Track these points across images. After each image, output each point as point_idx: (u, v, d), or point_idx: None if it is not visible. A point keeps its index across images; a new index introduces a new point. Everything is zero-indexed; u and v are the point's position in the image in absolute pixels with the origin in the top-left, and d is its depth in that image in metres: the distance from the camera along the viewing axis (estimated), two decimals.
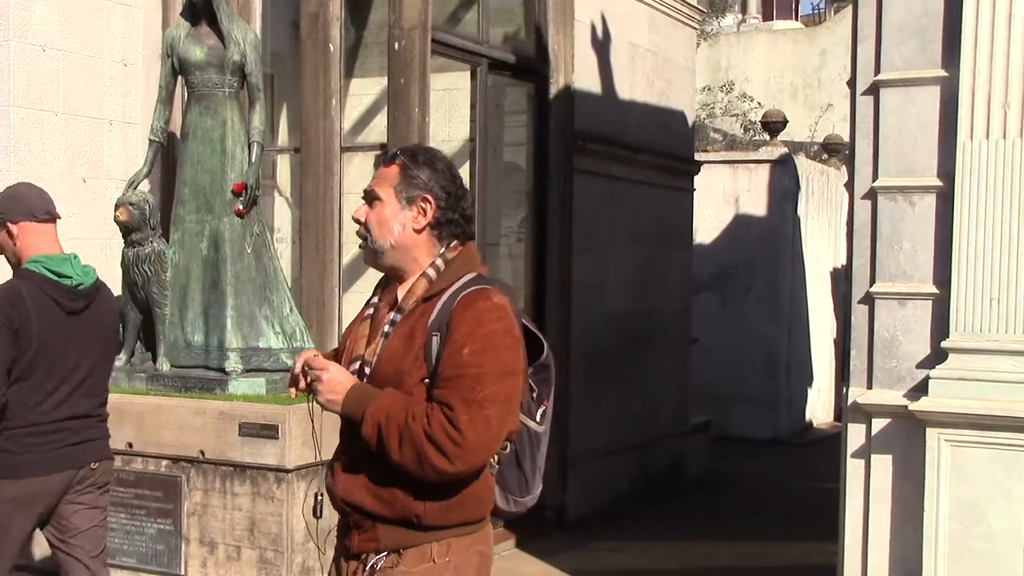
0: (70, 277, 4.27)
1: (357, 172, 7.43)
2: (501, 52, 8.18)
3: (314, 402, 2.89)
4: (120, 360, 6.45)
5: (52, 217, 4.42)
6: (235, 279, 6.38)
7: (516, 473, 2.89)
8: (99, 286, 4.45)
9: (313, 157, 7.09)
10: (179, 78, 6.56)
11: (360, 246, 2.95)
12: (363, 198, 2.93)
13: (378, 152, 7.25)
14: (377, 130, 7.78)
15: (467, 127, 7.98)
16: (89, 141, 7.01)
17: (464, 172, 7.78)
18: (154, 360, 6.47)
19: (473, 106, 7.86)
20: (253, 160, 6.40)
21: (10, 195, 4.45)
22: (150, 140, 6.60)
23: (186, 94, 6.59)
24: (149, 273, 6.37)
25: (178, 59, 6.46)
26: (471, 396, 2.63)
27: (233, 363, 6.27)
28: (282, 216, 8.35)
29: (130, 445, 6.08)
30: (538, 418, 2.89)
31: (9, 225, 4.31)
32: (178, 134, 6.68)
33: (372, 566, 2.79)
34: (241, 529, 5.85)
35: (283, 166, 8.31)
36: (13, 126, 6.58)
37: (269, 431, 5.78)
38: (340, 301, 7.21)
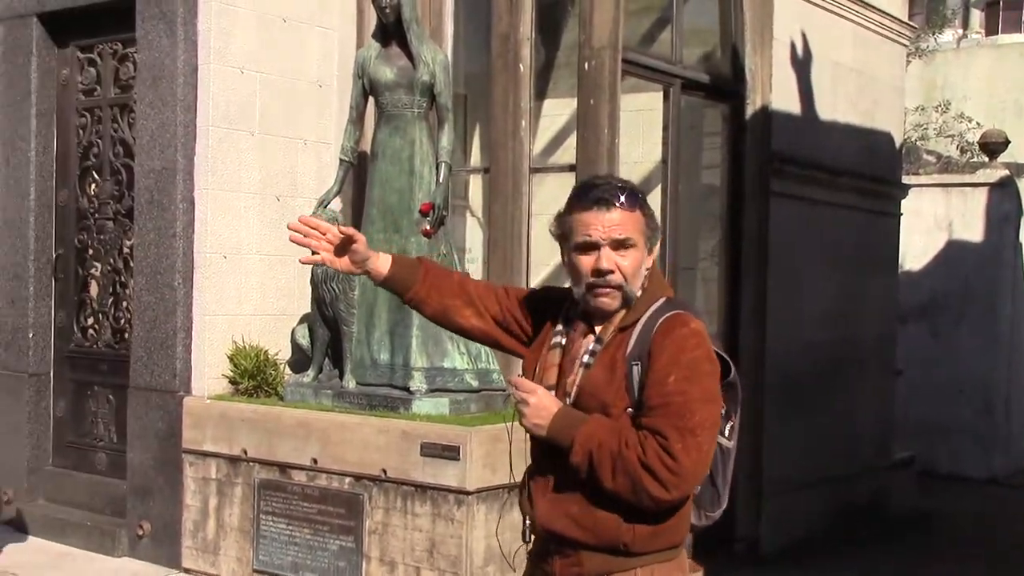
0: None
1: (547, 193, 7.35)
2: (695, 72, 7.98)
3: (514, 423, 2.91)
4: (308, 376, 6.54)
5: None
6: None
7: (710, 489, 2.91)
8: None
9: (502, 177, 7.05)
10: (370, 98, 6.63)
11: (597, 292, 2.82)
12: (606, 244, 2.78)
13: (566, 171, 7.14)
14: (568, 151, 7.69)
15: (659, 149, 7.81)
16: (284, 160, 7.15)
17: (656, 194, 7.62)
18: (340, 377, 6.53)
19: (665, 127, 7.68)
20: (441, 180, 6.40)
21: None
22: (340, 160, 6.68)
23: (376, 114, 6.64)
24: (337, 291, 6.43)
25: (369, 79, 6.53)
26: (683, 424, 2.64)
27: (417, 383, 6.26)
28: (474, 236, 8.35)
29: (315, 461, 6.14)
30: (727, 433, 2.89)
31: None
32: (368, 154, 6.74)
33: None
34: (421, 550, 5.81)
35: (475, 186, 8.31)
36: (211, 145, 6.76)
37: (450, 452, 5.73)
38: None
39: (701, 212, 8.71)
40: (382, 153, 6.50)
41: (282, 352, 6.95)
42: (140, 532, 6.94)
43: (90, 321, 7.64)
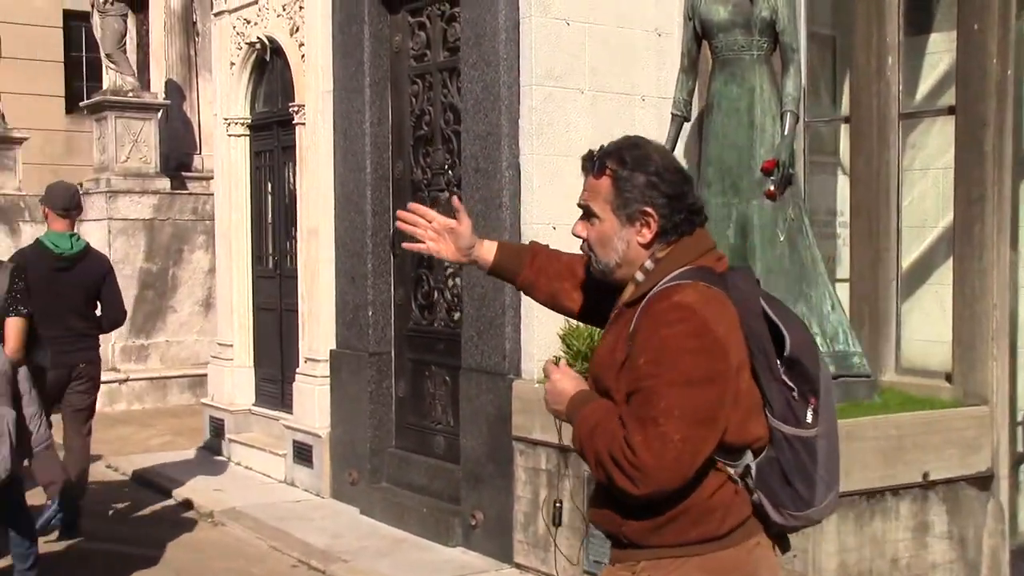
0: (60, 248, 6.58)
1: (921, 143, 6.25)
2: None
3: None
4: None
5: (67, 212, 6.68)
6: (765, 271, 5.52)
7: (785, 488, 2.53)
8: (85, 253, 6.76)
9: (864, 127, 6.05)
10: (703, 43, 5.82)
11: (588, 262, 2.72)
12: (582, 210, 2.66)
13: (944, 114, 6.01)
14: (950, 92, 6.53)
15: None
16: (618, 119, 6.46)
17: None
18: None
19: None
20: (786, 133, 5.50)
21: (50, 189, 6.79)
22: (672, 115, 5.92)
23: (711, 60, 5.82)
24: None
25: (700, 20, 5.72)
26: (644, 413, 2.41)
27: None
28: (844, 197, 7.33)
29: None
30: (808, 419, 2.50)
31: (45, 209, 6.72)
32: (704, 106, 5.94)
33: None
34: None
35: (844, 138, 7.28)
36: (536, 106, 6.19)
37: None
38: (898, 297, 6.09)
39: None
40: (717, 105, 5.68)
41: None
42: (473, 522, 6.53)
43: (427, 299, 7.32)
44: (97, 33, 12.35)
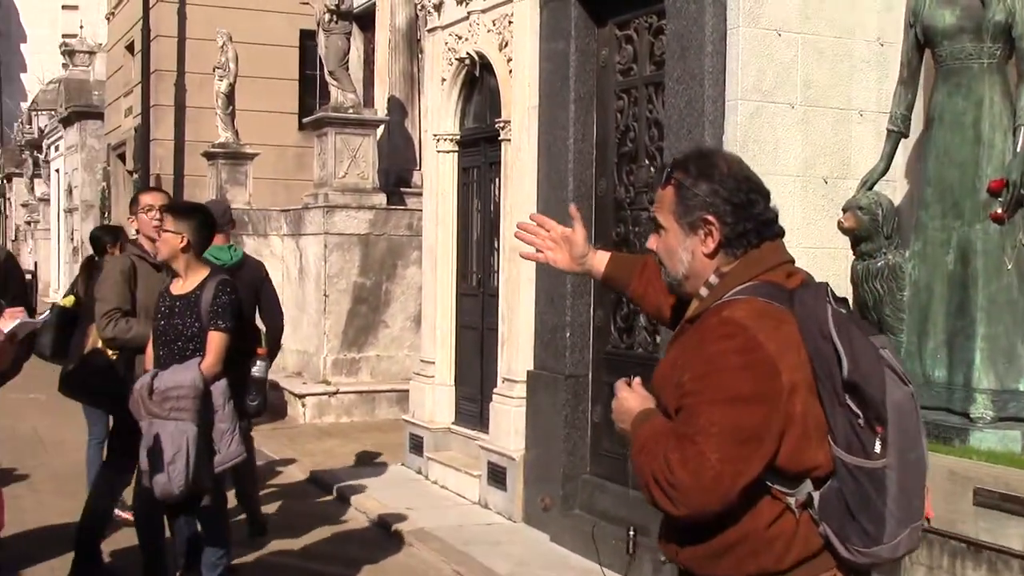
0: (220, 259, 6.56)
1: None
2: None
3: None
4: None
5: (221, 228, 6.62)
6: (989, 302, 5.03)
7: (850, 522, 2.35)
8: (243, 263, 6.97)
9: None
10: (924, 52, 5.35)
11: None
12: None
13: None
14: None
15: None
16: (833, 136, 6.05)
17: None
18: None
19: None
20: (1019, 149, 4.98)
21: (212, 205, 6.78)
22: (888, 130, 5.48)
23: (935, 71, 5.35)
24: (881, 291, 5.27)
25: (922, 27, 5.27)
26: (684, 430, 2.35)
27: (981, 408, 4.94)
28: None
29: None
30: (876, 449, 2.31)
31: None
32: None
33: None
34: None
35: None
36: (740, 122, 5.84)
37: (1015, 504, 4.37)
38: None
39: None
40: (939, 118, 5.21)
41: None
42: (663, 558, 6.19)
43: (626, 321, 7.03)
44: (321, 51, 12.60)
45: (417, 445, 9.18)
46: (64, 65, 29.05)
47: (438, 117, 9.16)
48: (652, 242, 2.62)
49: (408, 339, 12.34)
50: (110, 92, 23.48)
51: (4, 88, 71.99)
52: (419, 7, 9.73)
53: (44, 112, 32.09)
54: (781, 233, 2.55)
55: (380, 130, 13.82)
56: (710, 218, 2.48)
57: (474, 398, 8.81)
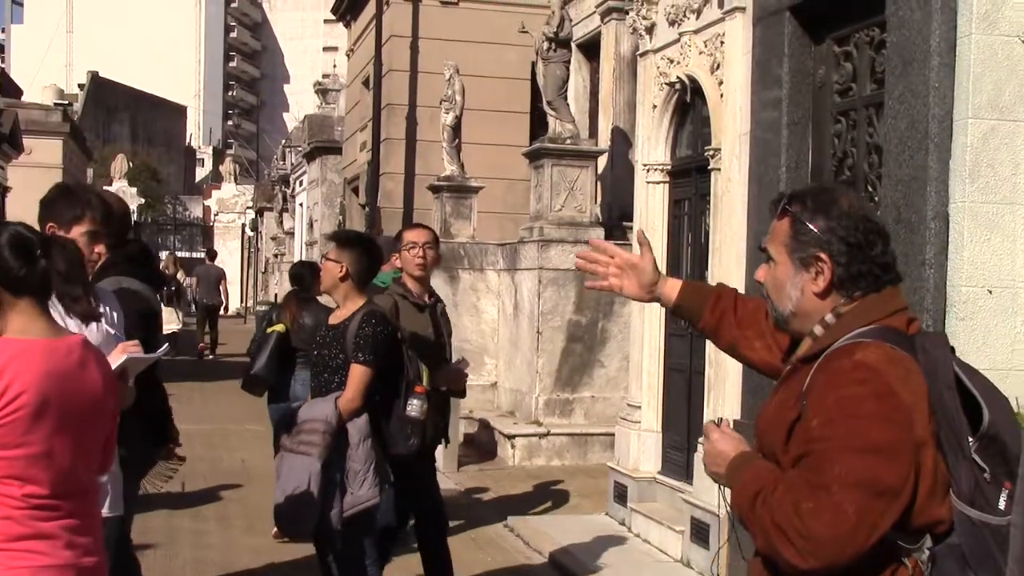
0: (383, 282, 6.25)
1: None
2: None
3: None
4: None
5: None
6: None
7: None
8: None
9: None
10: None
11: None
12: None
13: None
14: None
15: None
16: None
17: None
18: None
19: None
20: None
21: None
22: None
23: None
24: None
25: None
26: (817, 479, 2.23)
27: None
28: None
29: None
30: (1001, 505, 2.21)
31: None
32: None
33: None
34: None
35: None
36: (972, 144, 5.09)
37: None
38: None
39: None
40: None
41: None
42: None
43: None
44: (540, 80, 12.28)
45: (621, 494, 8.62)
46: (319, 105, 30.06)
47: (648, 146, 8.63)
48: (760, 273, 2.56)
49: (625, 380, 11.77)
50: (348, 127, 23.99)
51: (268, 127, 75.76)
52: (631, 29, 9.22)
53: (294, 148, 33.31)
54: (899, 278, 2.47)
55: (603, 162, 13.40)
56: (823, 256, 2.42)
57: (681, 446, 8.20)
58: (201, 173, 74.28)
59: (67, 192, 4.11)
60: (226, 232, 44.94)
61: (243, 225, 43.62)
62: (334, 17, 24.28)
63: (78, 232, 3.96)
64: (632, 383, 8.86)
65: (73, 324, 3.54)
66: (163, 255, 28.08)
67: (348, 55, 23.64)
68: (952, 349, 2.39)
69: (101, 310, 3.89)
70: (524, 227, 12.43)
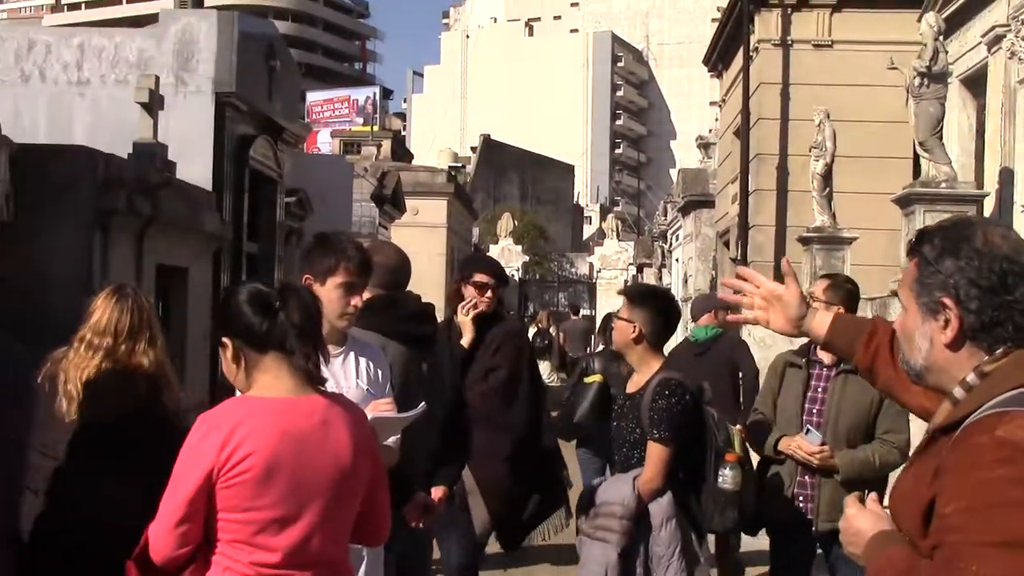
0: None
1: None
2: None
3: None
4: None
5: None
6: None
7: None
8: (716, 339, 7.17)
9: None
10: None
11: None
12: None
13: None
14: None
15: None
16: None
17: None
18: None
19: None
20: None
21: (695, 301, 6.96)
22: None
23: None
24: None
25: None
26: None
27: None
28: None
29: None
30: None
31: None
32: None
33: None
34: None
35: None
36: None
37: None
38: None
39: None
40: None
41: None
42: None
43: None
44: (911, 120, 11.37)
45: None
46: (700, 159, 29.83)
47: None
48: (897, 322, 2.32)
49: None
50: (720, 179, 23.57)
51: (654, 184, 76.65)
52: (1009, 54, 8.29)
53: (672, 204, 33.26)
54: None
55: (989, 205, 12.24)
56: (947, 302, 2.13)
57: None
58: (588, 230, 76.05)
59: (323, 242, 3.89)
60: (608, 288, 45.49)
61: (625, 281, 44.05)
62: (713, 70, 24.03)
63: (332, 284, 3.74)
64: None
65: (336, 382, 3.33)
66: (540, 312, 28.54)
67: (720, 105, 23.29)
68: None
69: (360, 364, 3.68)
70: (894, 279, 11.50)
